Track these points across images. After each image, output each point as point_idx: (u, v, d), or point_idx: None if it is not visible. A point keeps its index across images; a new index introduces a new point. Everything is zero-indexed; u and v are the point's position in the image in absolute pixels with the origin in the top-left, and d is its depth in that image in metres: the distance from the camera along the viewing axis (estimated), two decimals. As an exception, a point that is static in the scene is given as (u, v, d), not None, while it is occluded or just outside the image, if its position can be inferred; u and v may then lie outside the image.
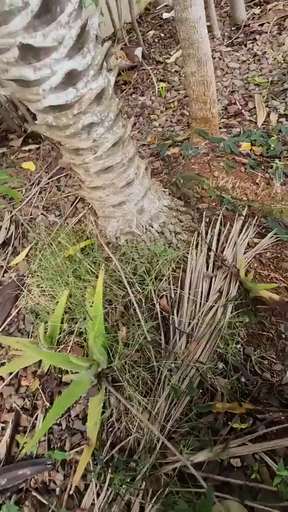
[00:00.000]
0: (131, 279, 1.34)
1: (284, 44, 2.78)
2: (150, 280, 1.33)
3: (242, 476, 1.16)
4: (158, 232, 1.37)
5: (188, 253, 1.43)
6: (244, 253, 1.44)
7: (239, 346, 1.31)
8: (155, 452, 1.19)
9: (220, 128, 2.43)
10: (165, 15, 3.76)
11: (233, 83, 2.72)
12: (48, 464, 1.28)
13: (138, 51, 3.31)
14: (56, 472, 1.28)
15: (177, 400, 1.23)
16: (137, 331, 1.28)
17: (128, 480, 1.18)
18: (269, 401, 1.24)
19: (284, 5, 3.12)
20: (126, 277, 1.34)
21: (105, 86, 0.95)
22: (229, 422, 1.21)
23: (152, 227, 1.34)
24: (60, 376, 1.41)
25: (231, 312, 1.31)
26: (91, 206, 1.58)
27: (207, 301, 1.32)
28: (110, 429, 1.27)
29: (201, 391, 1.25)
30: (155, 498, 1.14)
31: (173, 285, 1.37)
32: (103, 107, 0.96)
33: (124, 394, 1.25)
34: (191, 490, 1.12)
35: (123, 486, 1.16)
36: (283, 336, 1.33)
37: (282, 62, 2.63)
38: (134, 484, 1.15)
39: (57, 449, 1.29)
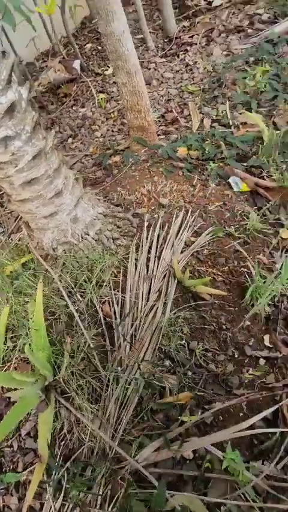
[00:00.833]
0: (72, 288, 1.34)
1: (212, 54, 2.96)
2: (91, 287, 1.35)
3: (194, 467, 1.19)
4: (95, 240, 1.39)
5: (127, 258, 1.46)
6: (181, 252, 1.50)
7: (183, 341, 1.36)
8: (108, 458, 1.19)
9: (159, 134, 2.52)
10: (101, 29, 3.84)
11: (169, 92, 2.84)
12: (1, 489, 1.23)
13: (76, 64, 3.35)
14: (10, 496, 1.24)
15: (126, 403, 1.24)
16: (81, 340, 1.28)
17: (85, 489, 1.17)
18: (215, 391, 1.29)
19: (210, 18, 3.32)
20: (67, 287, 1.34)
21: (17, 99, 0.97)
22: (179, 417, 1.24)
23: (88, 235, 1.36)
24: (10, 396, 1.37)
25: (172, 310, 1.36)
26: (24, 219, 1.57)
27: (147, 302, 1.36)
28: (63, 442, 1.25)
29: (150, 390, 1.28)
30: (112, 503, 1.14)
31: (114, 289, 1.40)
32: (16, 120, 0.97)
33: (74, 404, 1.25)
34: (147, 490, 1.14)
35: (81, 496, 1.15)
36: (224, 327, 1.39)
37: (212, 70, 2.79)
38: (91, 493, 1.14)
39: (10, 472, 1.25)
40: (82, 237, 1.35)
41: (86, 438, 1.23)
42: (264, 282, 1.37)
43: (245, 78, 2.51)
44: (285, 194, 1.76)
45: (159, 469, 1.17)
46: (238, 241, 1.58)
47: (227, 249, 1.55)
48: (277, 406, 1.14)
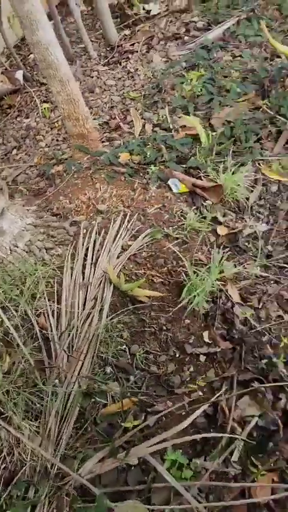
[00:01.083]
0: (5, 303, 1.30)
1: (152, 61, 3.02)
2: (25, 300, 1.31)
3: (139, 474, 1.18)
4: (26, 251, 1.36)
5: (63, 267, 1.44)
6: (118, 257, 1.50)
7: (123, 346, 1.35)
8: (51, 475, 1.15)
9: (103, 141, 2.53)
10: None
11: (112, 99, 2.87)
12: None
13: (19, 75, 3.30)
14: None
15: (67, 416, 1.21)
16: (18, 356, 1.24)
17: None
18: (158, 393, 1.29)
19: (149, 26, 3.40)
20: (0, 303, 1.30)
21: None
22: (122, 424, 1.23)
23: (18, 247, 1.33)
24: None
25: (109, 316, 1.35)
26: None
27: (84, 310, 1.34)
28: (3, 465, 1.19)
29: (92, 400, 1.26)
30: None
31: (50, 300, 1.37)
32: None
33: (12, 424, 1.20)
34: (93, 503, 1.11)
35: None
36: (164, 328, 1.40)
37: (152, 77, 2.85)
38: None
39: None
40: (11, 250, 1.32)
41: (27, 458, 1.18)
42: (200, 279, 1.40)
43: (183, 83, 2.58)
44: (221, 193, 1.81)
45: (103, 480, 1.15)
46: (176, 241, 1.60)
47: (166, 250, 1.57)
48: (212, 400, 1.16)
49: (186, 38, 3.07)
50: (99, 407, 1.27)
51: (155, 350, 1.36)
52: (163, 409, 1.23)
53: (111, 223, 1.64)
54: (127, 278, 1.46)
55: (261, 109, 2.19)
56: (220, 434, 1.15)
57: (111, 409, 1.25)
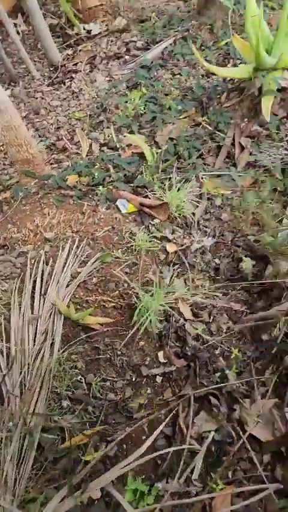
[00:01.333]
0: None
1: (96, 81, 3.06)
2: None
3: (103, 507, 1.16)
4: None
5: (10, 302, 1.41)
6: (68, 285, 1.49)
7: (79, 377, 1.33)
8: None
9: (52, 163, 2.51)
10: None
11: (58, 120, 2.86)
12: None
13: None
14: None
15: (24, 458, 1.17)
16: None
17: None
18: (117, 420, 1.29)
19: (91, 46, 3.45)
20: None
21: None
22: (82, 457, 1.21)
23: None
24: None
25: (61, 348, 1.33)
26: None
27: (35, 345, 1.31)
28: None
29: (49, 437, 1.23)
30: None
31: (-2, 339, 1.34)
32: None
33: None
34: None
35: None
36: (119, 352, 1.41)
37: (96, 96, 2.89)
38: None
39: None
40: None
41: (-17, 509, 1.12)
42: (150, 300, 1.42)
43: (126, 102, 2.64)
44: (168, 210, 1.86)
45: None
46: (126, 263, 1.62)
47: (116, 273, 1.58)
48: (166, 421, 1.17)
49: (127, 57, 3.14)
50: (58, 443, 1.24)
51: (111, 377, 1.36)
52: (123, 437, 1.23)
53: (60, 251, 1.62)
54: (78, 307, 1.45)
55: (201, 125, 2.28)
56: (177, 448, 1.17)
57: (71, 444, 1.23)
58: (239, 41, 2.21)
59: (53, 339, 1.33)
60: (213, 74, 2.65)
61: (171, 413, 1.27)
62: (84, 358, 1.36)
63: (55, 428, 1.24)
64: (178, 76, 2.78)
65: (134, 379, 1.36)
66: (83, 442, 1.23)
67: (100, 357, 1.37)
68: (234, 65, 2.53)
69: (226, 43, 2.83)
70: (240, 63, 2.62)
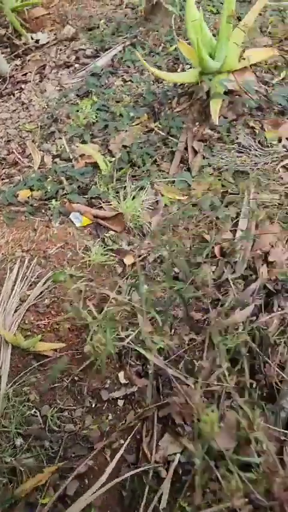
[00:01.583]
0: None
1: (46, 91, 2.97)
2: None
3: None
4: None
5: None
6: (16, 310, 1.39)
7: (33, 410, 1.23)
8: None
9: (3, 178, 2.39)
10: None
11: (8, 133, 2.74)
12: None
13: None
14: None
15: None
16: None
17: None
18: (77, 453, 1.19)
19: (40, 55, 3.36)
20: None
21: None
22: (41, 500, 1.10)
23: None
24: None
25: (9, 382, 1.23)
26: None
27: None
28: None
29: (4, 480, 1.11)
30: None
31: None
32: None
33: None
34: None
35: None
36: (76, 378, 1.32)
37: (47, 106, 2.79)
38: None
39: None
40: None
41: None
42: (107, 317, 1.35)
43: (77, 111, 2.57)
44: (123, 220, 1.80)
45: None
46: (81, 280, 1.53)
47: (71, 291, 1.49)
48: (124, 446, 1.10)
49: (77, 65, 3.08)
50: (13, 487, 1.13)
51: (69, 405, 1.26)
52: (83, 471, 1.14)
53: (8, 273, 1.52)
54: (28, 333, 1.35)
55: (153, 131, 2.25)
56: (138, 470, 1.09)
57: (27, 487, 1.12)
58: (184, 46, 2.21)
59: (0, 373, 1.22)
60: (164, 79, 2.64)
61: (135, 439, 1.20)
62: (38, 388, 1.26)
63: (7, 470, 1.13)
64: (129, 83, 2.74)
65: (93, 406, 1.27)
66: (41, 483, 1.12)
67: (56, 385, 1.28)
68: (183, 70, 2.53)
69: (175, 48, 2.84)
70: (190, 67, 2.63)
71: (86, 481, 1.14)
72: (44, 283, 1.48)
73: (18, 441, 1.17)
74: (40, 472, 1.13)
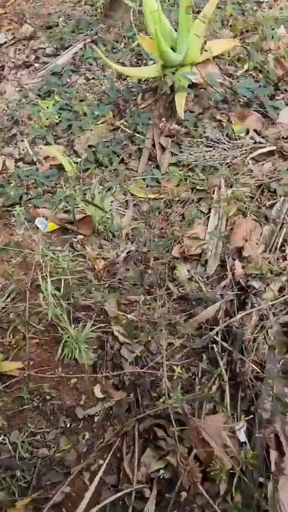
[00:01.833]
0: None
1: (5, 92, 2.83)
2: None
3: None
4: None
5: None
6: (-24, 329, 1.27)
7: (1, 438, 1.12)
8: None
9: None
10: None
11: None
12: None
13: None
14: None
15: None
16: None
17: None
18: (52, 480, 1.09)
19: (-2, 55, 3.20)
20: None
21: None
22: (13, 538, 1.00)
23: None
24: None
25: None
26: None
27: None
28: None
29: None
30: None
31: None
32: None
33: None
34: None
35: None
36: (48, 397, 1.21)
37: (6, 108, 2.65)
38: None
39: None
40: None
41: None
42: (78, 328, 1.25)
43: (39, 111, 2.44)
44: (92, 223, 1.71)
45: None
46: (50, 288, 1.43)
47: (38, 303, 1.38)
48: (103, 469, 1.01)
49: (37, 65, 2.95)
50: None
51: (42, 428, 1.16)
52: (60, 499, 1.04)
53: None
54: (-8, 353, 1.24)
55: (119, 129, 2.17)
56: (120, 494, 1.01)
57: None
58: (145, 40, 2.14)
59: None
60: (128, 76, 2.56)
61: (115, 457, 1.11)
62: (5, 413, 1.15)
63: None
64: (92, 81, 2.65)
65: (68, 425, 1.17)
66: (11, 519, 1.01)
67: (25, 407, 1.17)
68: (145, 65, 2.46)
69: (138, 44, 2.77)
70: (154, 63, 2.57)
71: (64, 511, 1.04)
72: (8, 296, 1.37)
73: (-15, 475, 1.05)
74: (12, 506, 1.02)
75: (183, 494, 1.04)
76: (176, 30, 1.93)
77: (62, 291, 1.35)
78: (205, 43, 1.86)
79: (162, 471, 1.06)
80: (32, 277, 1.49)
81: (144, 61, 2.68)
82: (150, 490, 1.05)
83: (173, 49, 1.88)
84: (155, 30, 1.58)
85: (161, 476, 1.05)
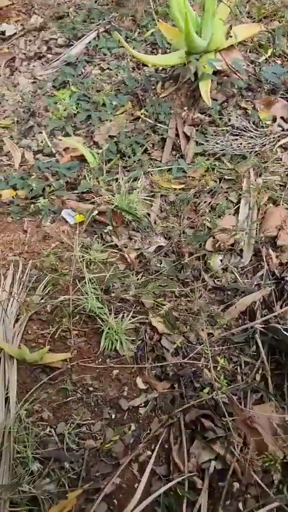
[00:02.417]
0: None
1: (19, 84, 2.78)
2: None
3: None
4: None
5: None
6: (16, 321, 1.25)
7: (48, 429, 1.10)
8: None
9: (-18, 181, 2.20)
10: None
11: (-19, 131, 2.54)
12: None
13: None
14: None
15: None
16: None
17: None
18: (101, 471, 1.08)
19: (8, 48, 3.15)
20: None
21: None
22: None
23: None
24: None
25: (19, 402, 1.09)
26: None
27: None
28: None
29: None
30: None
31: None
32: None
33: None
34: None
35: None
36: (91, 388, 1.20)
37: (22, 100, 2.61)
38: None
39: None
40: None
41: None
42: (118, 319, 1.24)
43: (56, 103, 2.40)
44: (120, 214, 1.68)
45: None
46: (84, 281, 1.41)
47: (73, 294, 1.36)
48: (152, 460, 0.99)
49: (49, 56, 2.90)
50: (34, 518, 1.01)
51: (87, 419, 1.14)
52: (111, 490, 1.03)
53: (1, 280, 1.37)
54: (33, 344, 1.22)
55: (140, 119, 2.13)
56: (175, 481, 0.99)
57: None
58: (165, 26, 2.10)
59: (7, 393, 1.09)
60: (144, 65, 2.52)
61: (163, 448, 1.10)
62: (51, 405, 1.13)
63: (27, 500, 1.00)
64: (107, 71, 2.60)
65: (113, 417, 1.16)
66: (66, 510, 1.00)
67: (69, 399, 1.15)
68: (164, 53, 2.42)
69: (152, 33, 2.72)
70: (170, 51, 2.52)
71: (115, 502, 1.03)
72: (44, 287, 1.34)
73: (35, 466, 1.04)
74: (64, 498, 1.01)
75: (236, 484, 1.03)
76: (199, 15, 1.89)
77: (100, 283, 1.32)
78: (230, 28, 1.81)
79: (213, 462, 1.05)
80: (63, 269, 1.46)
81: (160, 50, 2.64)
82: (202, 480, 1.04)
83: (198, 34, 1.84)
84: (185, 14, 1.54)
85: (213, 467, 1.04)
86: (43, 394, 1.13)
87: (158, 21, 2.13)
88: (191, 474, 1.04)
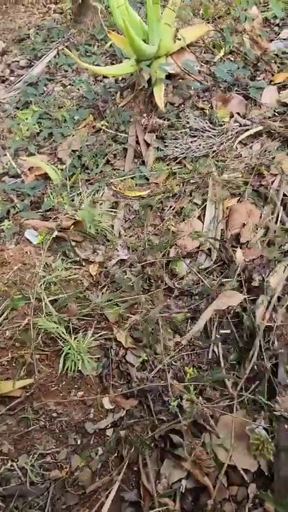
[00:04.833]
0: None
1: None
2: None
3: None
4: None
5: None
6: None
7: (9, 464, 1.05)
8: None
9: None
10: None
11: None
12: None
13: None
14: None
15: None
16: None
17: None
18: (68, 503, 1.02)
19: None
20: None
21: None
22: None
23: None
24: None
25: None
26: None
27: None
28: None
29: None
30: None
31: None
32: None
33: None
34: None
35: None
36: (55, 414, 1.14)
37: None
38: None
39: None
40: None
41: None
42: (75, 339, 1.19)
43: (18, 124, 2.40)
44: (83, 229, 1.65)
45: None
46: (45, 301, 1.36)
47: (33, 317, 1.31)
48: (115, 489, 0.93)
49: (12, 78, 2.92)
50: None
51: (51, 448, 1.09)
52: (79, 524, 0.96)
53: None
54: (-10, 374, 1.17)
55: (101, 130, 2.11)
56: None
57: None
58: (115, 36, 2.10)
59: None
60: (105, 76, 2.52)
61: (131, 471, 1.04)
62: (11, 437, 1.08)
63: None
64: (69, 86, 2.61)
65: (79, 442, 1.10)
66: None
67: (31, 428, 1.10)
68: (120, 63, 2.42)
69: (110, 45, 2.73)
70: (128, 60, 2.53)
71: (84, 535, 0.97)
72: (3, 312, 1.30)
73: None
74: (26, 537, 0.95)
75: (209, 502, 0.96)
76: (145, 22, 1.89)
77: (61, 302, 1.28)
78: (177, 31, 1.80)
79: (184, 481, 0.99)
80: (25, 291, 1.42)
81: (119, 60, 2.65)
82: (173, 502, 0.97)
83: (145, 41, 1.83)
84: (124, 22, 1.53)
85: (184, 486, 0.98)
86: (2, 426, 1.08)
87: (109, 32, 2.13)
88: (161, 497, 0.97)
